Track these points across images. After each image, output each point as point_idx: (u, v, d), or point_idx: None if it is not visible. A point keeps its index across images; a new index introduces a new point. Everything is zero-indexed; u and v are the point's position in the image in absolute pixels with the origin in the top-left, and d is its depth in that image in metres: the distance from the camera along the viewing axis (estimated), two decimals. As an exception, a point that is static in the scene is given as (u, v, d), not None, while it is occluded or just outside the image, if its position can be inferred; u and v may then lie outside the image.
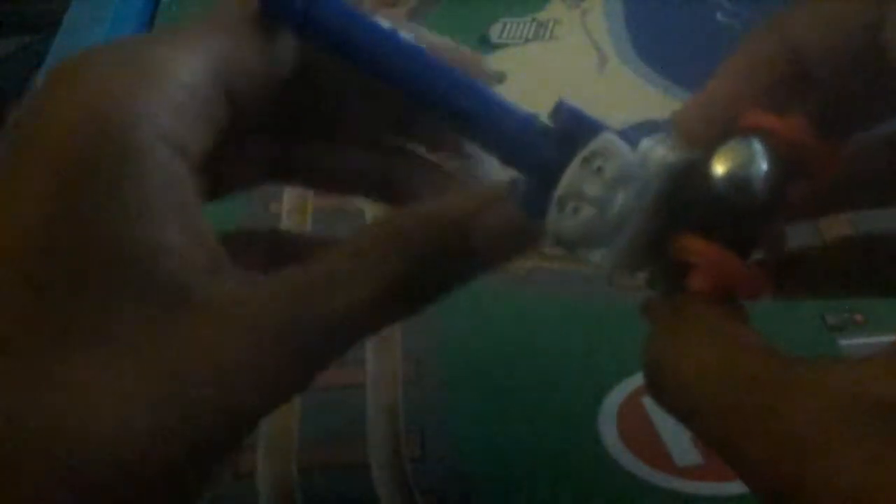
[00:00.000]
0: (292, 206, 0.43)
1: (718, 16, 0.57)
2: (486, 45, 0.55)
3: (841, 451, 0.18)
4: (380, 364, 0.36)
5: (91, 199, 0.21)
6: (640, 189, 0.22)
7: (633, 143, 0.23)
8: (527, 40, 0.56)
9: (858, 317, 0.37)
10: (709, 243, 0.22)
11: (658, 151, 0.22)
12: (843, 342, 0.36)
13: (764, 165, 0.21)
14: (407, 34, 0.27)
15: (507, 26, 0.57)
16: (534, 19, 0.57)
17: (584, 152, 0.23)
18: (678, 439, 0.32)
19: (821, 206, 0.27)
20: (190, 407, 0.21)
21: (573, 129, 0.24)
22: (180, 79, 0.23)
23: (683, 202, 0.22)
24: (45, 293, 0.21)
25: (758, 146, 0.21)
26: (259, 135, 0.27)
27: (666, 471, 0.32)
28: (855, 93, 0.23)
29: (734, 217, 0.22)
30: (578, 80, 0.52)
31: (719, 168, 0.22)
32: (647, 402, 0.34)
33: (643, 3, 0.59)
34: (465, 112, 0.25)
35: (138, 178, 0.21)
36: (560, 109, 0.24)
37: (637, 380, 0.35)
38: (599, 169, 0.23)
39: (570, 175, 0.23)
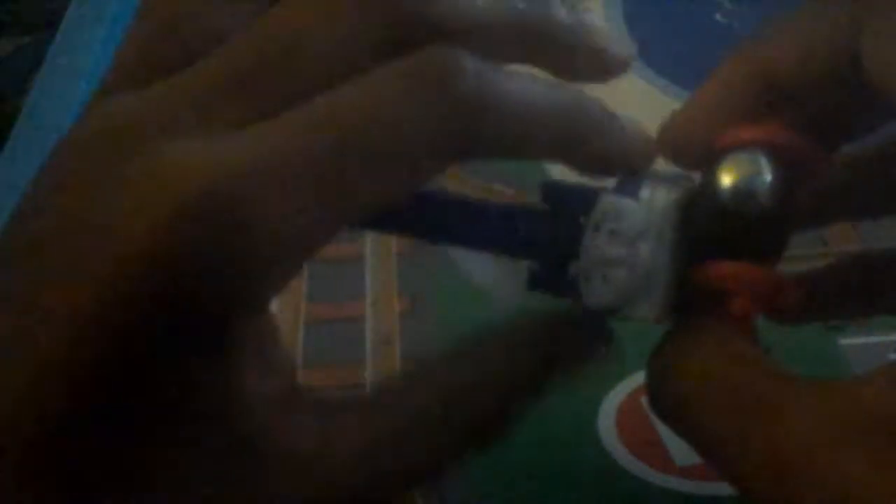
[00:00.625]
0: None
1: (718, 16, 0.57)
2: (485, 45, 0.55)
3: (839, 464, 0.18)
4: (379, 365, 0.36)
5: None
6: (658, 235, 0.22)
7: (627, 193, 0.23)
8: (526, 40, 0.56)
9: (858, 317, 0.37)
10: (737, 263, 0.22)
11: (660, 194, 0.23)
12: (843, 342, 0.36)
13: (768, 171, 0.22)
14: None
15: (507, 26, 0.57)
16: (533, 19, 0.57)
17: (592, 220, 0.23)
18: (678, 439, 0.32)
19: (822, 213, 0.27)
20: None
21: (567, 203, 0.24)
22: None
23: (700, 230, 0.22)
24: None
25: (757, 153, 0.22)
26: None
27: (665, 470, 0.32)
28: (834, 109, 0.23)
29: (751, 228, 0.22)
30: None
31: (725, 182, 0.22)
32: (647, 401, 0.34)
33: (642, 2, 0.59)
34: (462, 229, 0.26)
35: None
36: (547, 188, 0.25)
37: (637, 379, 0.35)
38: (612, 231, 0.23)
39: (588, 246, 0.23)
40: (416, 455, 0.22)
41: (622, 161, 0.24)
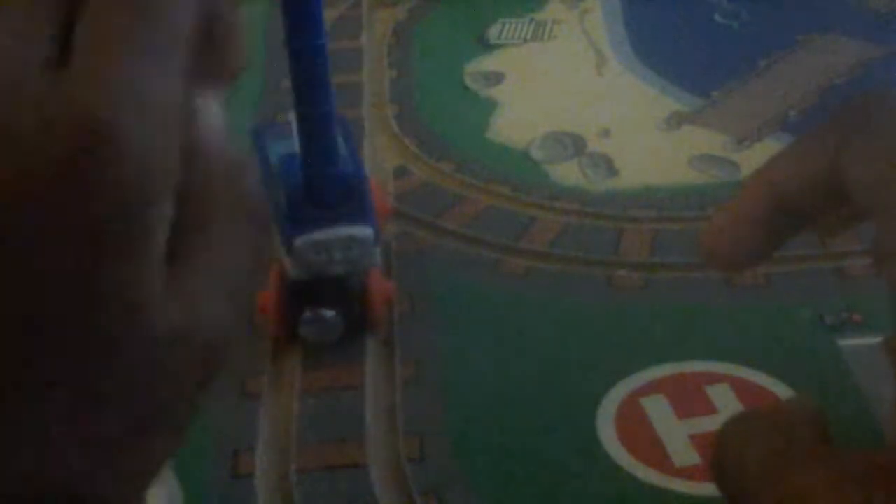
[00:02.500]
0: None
1: (716, 16, 0.57)
2: (484, 45, 0.55)
3: None
4: (379, 365, 0.36)
5: None
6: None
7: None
8: (525, 40, 0.56)
9: (856, 317, 0.37)
10: None
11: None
12: (842, 342, 0.36)
13: None
14: None
15: (506, 26, 0.57)
16: (532, 19, 0.57)
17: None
18: (677, 440, 0.32)
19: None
20: None
21: None
22: None
23: None
24: None
25: None
26: None
27: (664, 471, 0.32)
28: (827, 212, 0.28)
29: None
30: (577, 81, 0.52)
31: None
32: (646, 402, 0.34)
33: (641, 3, 0.59)
34: None
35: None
36: None
37: (635, 380, 0.35)
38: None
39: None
40: None
41: None
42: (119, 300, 0.21)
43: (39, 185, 0.19)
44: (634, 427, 0.33)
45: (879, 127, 0.27)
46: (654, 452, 0.32)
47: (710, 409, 0.33)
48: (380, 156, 0.47)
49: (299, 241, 0.34)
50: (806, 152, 0.28)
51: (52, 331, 0.20)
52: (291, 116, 0.35)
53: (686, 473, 0.31)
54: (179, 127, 0.21)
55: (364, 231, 0.34)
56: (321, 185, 0.33)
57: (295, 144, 0.33)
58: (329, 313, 0.35)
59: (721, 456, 0.27)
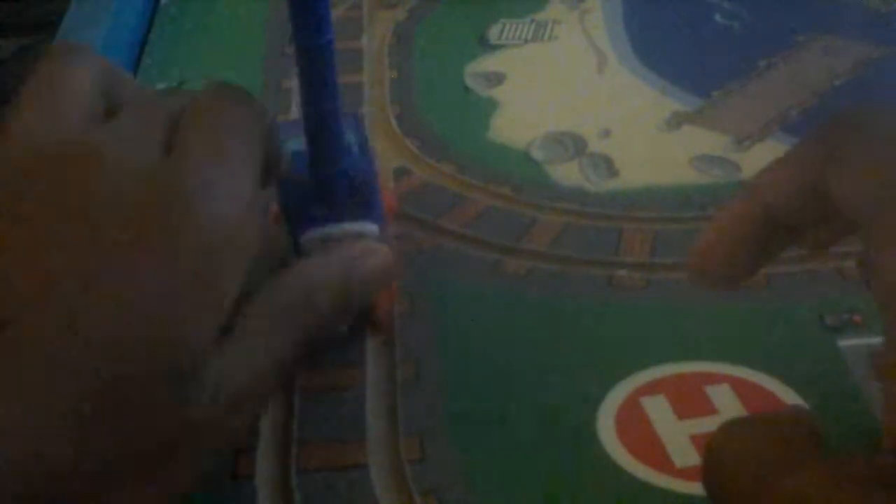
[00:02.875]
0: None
1: (717, 17, 0.57)
2: (485, 45, 0.55)
3: None
4: (379, 365, 0.36)
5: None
6: None
7: None
8: (526, 41, 0.56)
9: (857, 317, 0.37)
10: None
11: None
12: (842, 343, 0.36)
13: None
14: None
15: (507, 27, 0.57)
16: (533, 20, 0.57)
17: None
18: (678, 440, 0.32)
19: None
20: None
21: None
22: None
23: None
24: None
25: None
26: None
27: (665, 472, 0.32)
28: (814, 225, 0.30)
29: None
30: (577, 81, 0.52)
31: None
32: (646, 402, 0.34)
33: (642, 4, 0.59)
34: None
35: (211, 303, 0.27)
36: None
37: (636, 380, 0.35)
38: None
39: None
40: None
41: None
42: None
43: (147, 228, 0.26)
44: (635, 427, 0.33)
45: (865, 140, 0.27)
46: (654, 453, 0.32)
47: (711, 410, 0.33)
48: (380, 156, 0.47)
49: (305, 238, 0.34)
50: (793, 167, 0.29)
51: None
52: (297, 113, 0.35)
53: (686, 474, 0.31)
54: (252, 216, 0.27)
55: (370, 228, 0.34)
56: (328, 182, 0.33)
57: (301, 142, 0.33)
58: None
59: (716, 460, 0.27)
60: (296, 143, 0.34)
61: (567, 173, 0.46)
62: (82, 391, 0.24)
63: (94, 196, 0.26)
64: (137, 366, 0.25)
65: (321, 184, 0.34)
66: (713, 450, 0.28)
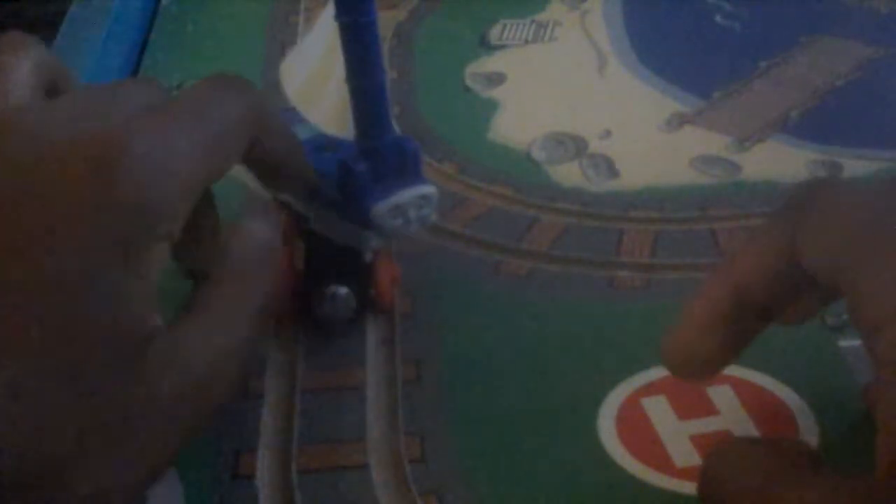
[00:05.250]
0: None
1: (718, 18, 0.57)
2: (485, 46, 0.55)
3: None
4: (380, 365, 0.36)
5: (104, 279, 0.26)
6: None
7: None
8: (526, 42, 0.56)
9: (858, 318, 0.37)
10: None
11: None
12: (843, 343, 0.36)
13: None
14: None
15: (507, 27, 0.57)
16: (534, 21, 0.57)
17: None
18: (678, 440, 0.32)
19: None
20: None
21: None
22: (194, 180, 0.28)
23: None
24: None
25: None
26: None
27: (666, 472, 0.32)
28: (790, 297, 0.29)
29: None
30: (578, 82, 0.52)
31: None
32: (647, 403, 0.34)
33: (642, 4, 0.59)
34: None
35: (137, 268, 0.26)
36: None
37: (637, 381, 0.35)
38: None
39: None
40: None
41: None
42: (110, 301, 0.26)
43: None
44: (636, 428, 0.33)
45: (829, 205, 0.27)
46: (655, 453, 0.32)
47: (712, 410, 0.33)
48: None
49: (377, 210, 0.34)
50: (762, 245, 0.29)
51: None
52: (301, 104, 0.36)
53: (687, 474, 0.31)
54: (186, 194, 0.28)
55: (430, 189, 0.36)
56: (382, 152, 0.34)
57: (311, 128, 0.35)
58: (342, 290, 0.36)
59: (714, 474, 0.27)
60: (302, 129, 0.35)
61: (568, 174, 0.46)
62: (36, 367, 0.25)
63: (12, 164, 0.26)
64: (84, 342, 0.25)
65: (376, 156, 0.34)
66: (711, 464, 0.28)
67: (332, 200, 0.35)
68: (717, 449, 0.28)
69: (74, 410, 0.25)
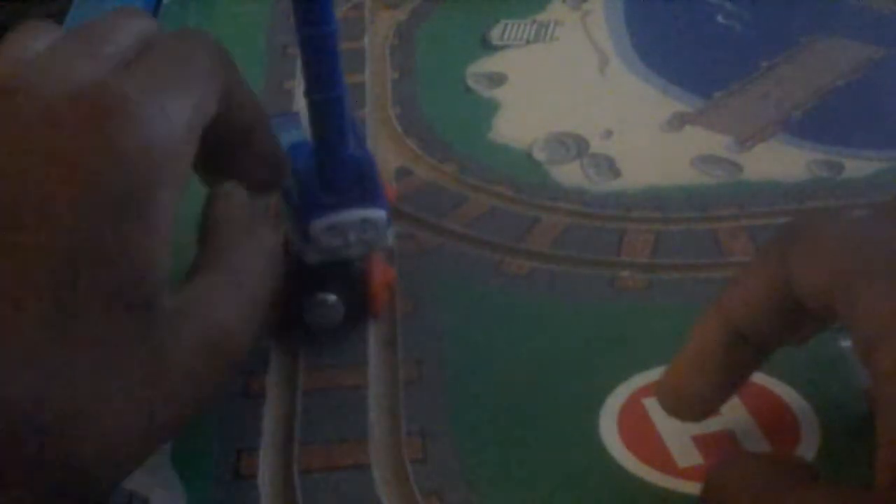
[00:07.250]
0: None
1: (719, 17, 0.57)
2: (486, 46, 0.55)
3: None
4: (381, 365, 0.36)
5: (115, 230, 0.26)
6: None
7: None
8: (528, 42, 0.56)
9: (859, 318, 0.37)
10: None
11: None
12: (845, 343, 0.36)
13: None
14: None
15: (508, 28, 0.57)
16: (534, 21, 0.57)
17: None
18: (679, 440, 0.32)
19: None
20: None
21: None
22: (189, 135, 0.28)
23: None
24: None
25: None
26: None
27: (667, 472, 0.32)
28: (779, 329, 0.29)
29: None
30: (579, 82, 0.52)
31: None
32: (648, 403, 0.34)
33: (644, 4, 0.59)
34: None
35: (146, 220, 0.26)
36: None
37: (638, 381, 0.35)
38: None
39: None
40: None
41: None
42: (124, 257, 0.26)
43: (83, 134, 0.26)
44: (637, 428, 0.33)
45: (819, 233, 0.28)
46: (656, 453, 0.32)
47: (713, 410, 0.33)
48: (382, 157, 0.47)
49: (315, 226, 0.34)
50: (753, 278, 0.29)
51: None
52: (300, 106, 0.35)
53: (689, 474, 0.31)
54: (191, 137, 0.28)
55: (377, 213, 0.35)
56: (333, 169, 0.34)
57: (303, 133, 0.34)
58: (331, 297, 0.36)
59: (717, 484, 0.28)
60: (294, 135, 0.34)
61: (569, 173, 0.46)
62: (47, 330, 0.25)
63: (24, 114, 0.26)
64: (92, 300, 0.26)
65: (326, 171, 0.34)
66: (714, 476, 0.28)
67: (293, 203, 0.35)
68: (721, 462, 0.29)
69: (85, 369, 0.25)
